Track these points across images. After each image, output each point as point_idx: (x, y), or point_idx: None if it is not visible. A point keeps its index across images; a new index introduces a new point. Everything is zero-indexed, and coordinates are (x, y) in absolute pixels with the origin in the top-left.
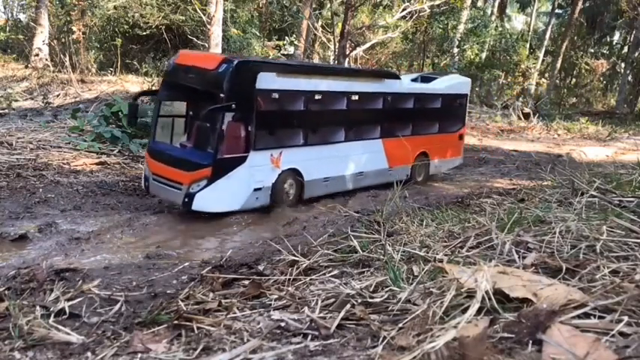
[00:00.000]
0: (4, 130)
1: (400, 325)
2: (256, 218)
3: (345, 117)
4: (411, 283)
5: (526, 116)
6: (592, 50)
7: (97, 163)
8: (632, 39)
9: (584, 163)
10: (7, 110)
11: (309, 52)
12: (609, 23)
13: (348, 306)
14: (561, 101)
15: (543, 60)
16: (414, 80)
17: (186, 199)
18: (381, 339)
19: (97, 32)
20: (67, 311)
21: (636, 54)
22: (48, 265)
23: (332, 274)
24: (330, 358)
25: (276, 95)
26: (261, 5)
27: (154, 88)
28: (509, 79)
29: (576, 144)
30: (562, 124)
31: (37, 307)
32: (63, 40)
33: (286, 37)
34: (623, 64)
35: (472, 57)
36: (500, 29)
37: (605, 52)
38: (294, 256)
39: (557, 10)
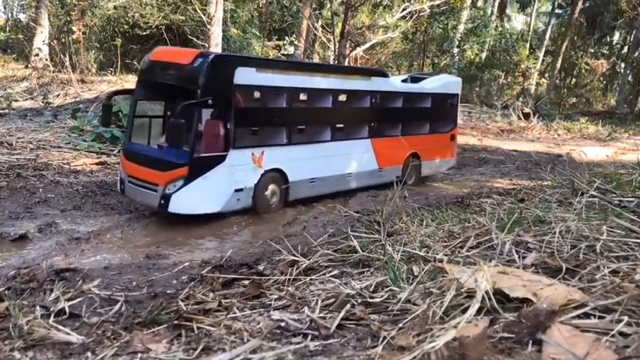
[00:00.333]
0: (4, 130)
1: (400, 325)
2: (256, 218)
3: (331, 115)
4: (411, 283)
5: (526, 116)
6: (592, 50)
7: (97, 163)
8: (632, 39)
9: (584, 163)
10: (7, 110)
11: (309, 52)
12: (609, 23)
13: (348, 306)
14: (561, 101)
15: (543, 60)
16: (404, 81)
17: (162, 201)
18: (381, 339)
19: (97, 32)
20: (67, 311)
21: (636, 54)
22: (48, 265)
23: (332, 274)
24: (330, 358)
25: (256, 92)
26: (261, 5)
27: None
28: (509, 79)
29: (576, 144)
30: (562, 124)
31: (37, 307)
32: (63, 40)
33: (286, 37)
34: (623, 64)
35: (472, 57)
36: (500, 29)
37: (605, 52)
38: (294, 256)
39: (557, 10)
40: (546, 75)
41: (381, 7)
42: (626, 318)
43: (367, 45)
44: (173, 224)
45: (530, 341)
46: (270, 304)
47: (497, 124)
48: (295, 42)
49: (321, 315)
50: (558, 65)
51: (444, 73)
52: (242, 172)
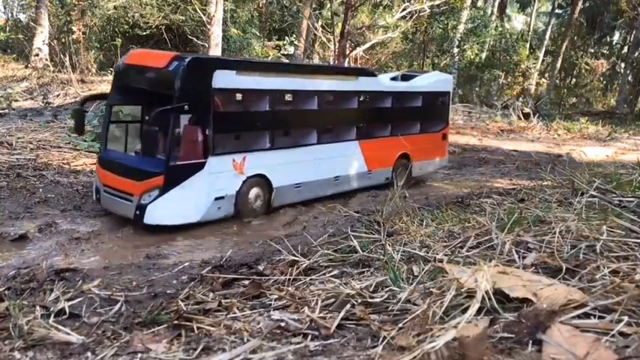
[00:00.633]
0: (4, 130)
1: (400, 325)
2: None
3: (316, 118)
4: (411, 283)
5: (526, 116)
6: (592, 50)
7: None
8: (632, 39)
9: (584, 163)
10: (7, 110)
11: (309, 52)
12: (609, 23)
13: (348, 306)
14: (561, 101)
15: (543, 60)
16: (394, 79)
17: (137, 212)
18: (381, 339)
19: (97, 32)
20: (67, 311)
21: (636, 54)
22: (48, 265)
23: (332, 274)
24: (330, 358)
25: (236, 95)
26: (261, 5)
27: None
28: (509, 79)
29: (576, 144)
30: (562, 124)
31: (37, 307)
32: (63, 40)
33: (286, 37)
34: (623, 64)
35: (472, 57)
36: (500, 29)
37: (605, 52)
38: (294, 256)
39: (557, 10)
40: (546, 75)
41: (381, 7)
42: (626, 318)
43: (367, 45)
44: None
45: (530, 341)
46: (270, 304)
47: (497, 124)
48: (295, 42)
49: (321, 315)
50: (558, 65)
51: (445, 72)
52: (222, 180)
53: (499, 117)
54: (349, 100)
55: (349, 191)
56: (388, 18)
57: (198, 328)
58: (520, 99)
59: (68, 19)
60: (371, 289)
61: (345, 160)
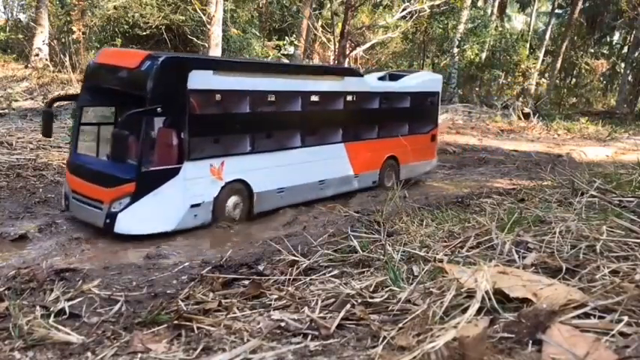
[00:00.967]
0: (4, 130)
1: (400, 325)
2: (256, 218)
3: (300, 120)
4: (411, 283)
5: (526, 116)
6: (592, 50)
7: None
8: (632, 39)
9: (584, 163)
10: (7, 110)
11: (309, 52)
12: (609, 23)
13: (348, 306)
14: (561, 101)
15: (543, 60)
16: (382, 78)
17: (107, 220)
18: (381, 339)
19: (97, 32)
20: (67, 311)
21: (636, 54)
22: (48, 265)
23: (332, 274)
24: (330, 358)
25: (214, 96)
26: (261, 5)
27: None
28: (509, 79)
29: (576, 144)
30: (562, 124)
31: (37, 307)
32: (63, 40)
33: (286, 37)
34: (623, 64)
35: (472, 57)
36: (500, 29)
37: (605, 52)
38: (294, 256)
39: (557, 10)
40: (546, 75)
41: (381, 7)
42: (626, 318)
43: (367, 45)
44: None
45: (530, 341)
46: (270, 304)
47: (497, 124)
48: (295, 42)
49: (321, 315)
50: (558, 65)
51: (444, 72)
52: (199, 186)
53: (499, 117)
54: (334, 100)
55: (335, 196)
56: (388, 18)
57: (198, 328)
58: (520, 99)
59: (68, 19)
60: (371, 289)
61: (330, 163)
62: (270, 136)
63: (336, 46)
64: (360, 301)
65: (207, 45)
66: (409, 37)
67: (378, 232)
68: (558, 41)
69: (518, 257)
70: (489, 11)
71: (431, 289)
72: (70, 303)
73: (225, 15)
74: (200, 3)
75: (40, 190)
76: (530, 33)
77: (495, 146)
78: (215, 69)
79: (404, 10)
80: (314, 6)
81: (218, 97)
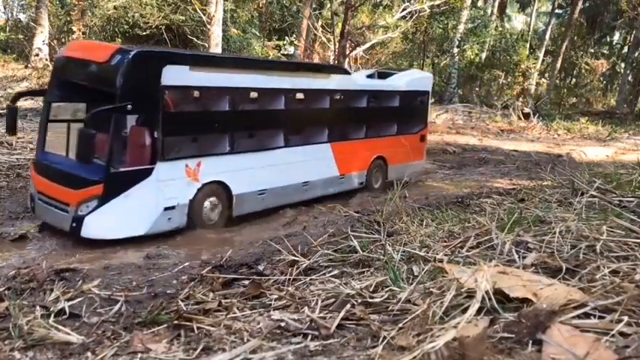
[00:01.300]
0: (4, 130)
1: (400, 325)
2: (256, 218)
3: (283, 118)
4: (411, 283)
5: (526, 116)
6: (592, 50)
7: None
8: (632, 39)
9: (584, 163)
10: (6, 110)
11: (309, 52)
12: (609, 23)
13: (348, 306)
14: (561, 101)
15: (543, 60)
16: (370, 76)
17: (73, 224)
18: (381, 339)
19: (97, 32)
20: (67, 311)
21: (636, 54)
22: (48, 265)
23: (332, 274)
24: (330, 358)
25: (190, 93)
26: (261, 5)
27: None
28: (509, 79)
29: (576, 144)
30: (562, 124)
31: (37, 307)
32: (63, 40)
33: (286, 37)
34: (623, 64)
35: (472, 57)
36: (500, 29)
37: (605, 52)
38: (294, 256)
39: (557, 10)
40: (546, 75)
41: (381, 7)
42: (626, 318)
43: (367, 45)
44: None
45: (530, 341)
46: (270, 304)
47: (497, 124)
48: (295, 42)
49: (321, 315)
50: (558, 65)
51: (444, 72)
52: (173, 188)
53: (499, 117)
54: (320, 99)
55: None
56: (388, 18)
57: (198, 328)
58: (520, 99)
59: (68, 19)
60: (371, 289)
61: (314, 164)
62: (250, 136)
63: (336, 46)
64: (360, 301)
65: (207, 45)
66: (409, 37)
67: (378, 232)
68: (558, 41)
69: (518, 257)
70: (489, 11)
71: (431, 289)
72: (70, 303)
73: (225, 15)
74: (200, 3)
75: None
76: (530, 33)
77: (495, 146)
78: (191, 64)
79: (404, 10)
80: (314, 6)
81: (195, 94)
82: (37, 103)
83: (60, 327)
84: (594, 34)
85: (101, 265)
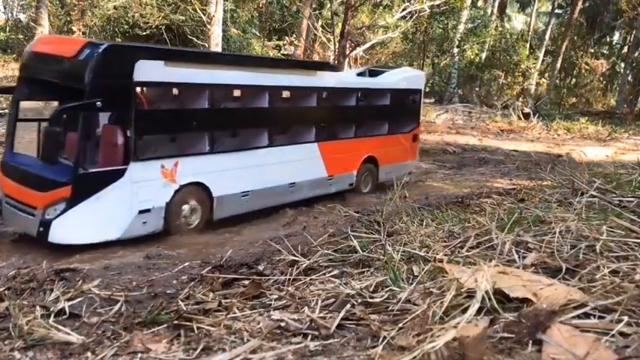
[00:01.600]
0: (4, 130)
1: (400, 325)
2: (256, 218)
3: (267, 117)
4: (411, 283)
5: (526, 116)
6: (592, 50)
7: None
8: (632, 39)
9: (584, 163)
10: (7, 110)
11: (309, 52)
12: (609, 23)
13: (348, 306)
14: (561, 101)
15: (543, 60)
16: (361, 74)
17: (40, 229)
18: (381, 339)
19: (97, 32)
20: (67, 311)
21: (636, 54)
22: (48, 265)
23: (332, 274)
24: (330, 358)
25: (166, 90)
26: (261, 5)
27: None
28: (509, 79)
29: (576, 144)
30: (562, 124)
31: (37, 307)
32: None
33: (286, 37)
34: (623, 64)
35: (472, 57)
36: (500, 29)
37: (605, 52)
38: (294, 256)
39: (557, 10)
40: (546, 75)
41: (381, 7)
42: (626, 318)
43: (367, 45)
44: None
45: (530, 341)
46: (270, 304)
47: (497, 124)
48: (295, 42)
49: (321, 315)
50: (558, 65)
51: (444, 72)
52: (148, 189)
53: (499, 117)
54: (307, 97)
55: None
56: (388, 18)
57: (198, 328)
58: (520, 99)
59: (68, 19)
60: (371, 289)
61: (301, 164)
62: (232, 135)
63: (336, 46)
64: (360, 301)
65: (207, 45)
66: (409, 37)
67: (378, 232)
68: (558, 41)
69: (518, 257)
70: (489, 11)
71: (431, 289)
72: (70, 303)
73: (225, 15)
74: (200, 3)
75: None
76: (530, 33)
77: (495, 146)
78: (167, 59)
79: (404, 10)
80: (314, 6)
81: (171, 90)
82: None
83: (60, 327)
84: (594, 34)
85: (101, 265)
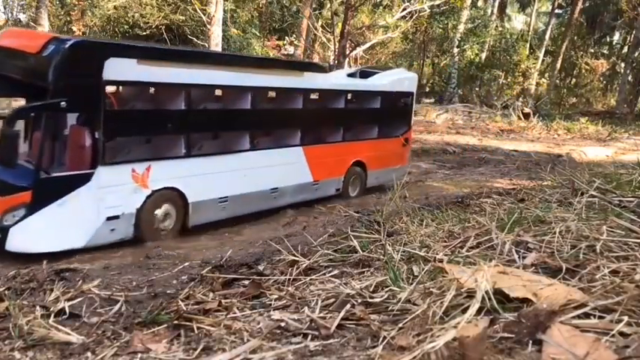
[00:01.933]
0: None
1: (400, 325)
2: (256, 218)
3: (249, 119)
4: (411, 283)
5: (526, 116)
6: (592, 50)
7: None
8: (632, 39)
9: (584, 163)
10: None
11: (309, 52)
12: (609, 23)
13: (348, 306)
14: (561, 101)
15: (543, 60)
16: (352, 75)
17: None
18: (381, 339)
19: (97, 32)
20: (67, 311)
21: (636, 54)
22: (48, 265)
23: (332, 274)
24: (330, 358)
25: (138, 89)
26: (261, 5)
27: None
28: (509, 79)
29: (576, 144)
30: (562, 124)
31: (37, 307)
32: None
33: (286, 37)
34: (623, 64)
35: (472, 57)
36: (500, 29)
37: (605, 52)
38: (294, 256)
39: (557, 10)
40: (546, 75)
41: (381, 7)
42: (626, 318)
43: (367, 45)
44: None
45: (530, 341)
46: (270, 304)
47: (498, 124)
48: (295, 42)
49: (321, 315)
50: (558, 65)
51: (444, 72)
52: (117, 195)
53: (499, 117)
54: (292, 98)
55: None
56: (388, 18)
57: (198, 328)
58: (520, 99)
59: (68, 19)
60: (371, 289)
61: (285, 169)
62: (210, 138)
63: (336, 46)
64: (360, 301)
65: (207, 45)
66: (409, 37)
67: (378, 232)
68: (558, 41)
69: (518, 257)
70: (489, 11)
71: (431, 289)
72: (70, 303)
73: (225, 15)
74: (200, 3)
75: None
76: (530, 33)
77: (495, 146)
78: (140, 57)
79: (404, 10)
80: (314, 6)
81: (143, 90)
82: None
83: (60, 327)
84: (594, 34)
85: (101, 265)
